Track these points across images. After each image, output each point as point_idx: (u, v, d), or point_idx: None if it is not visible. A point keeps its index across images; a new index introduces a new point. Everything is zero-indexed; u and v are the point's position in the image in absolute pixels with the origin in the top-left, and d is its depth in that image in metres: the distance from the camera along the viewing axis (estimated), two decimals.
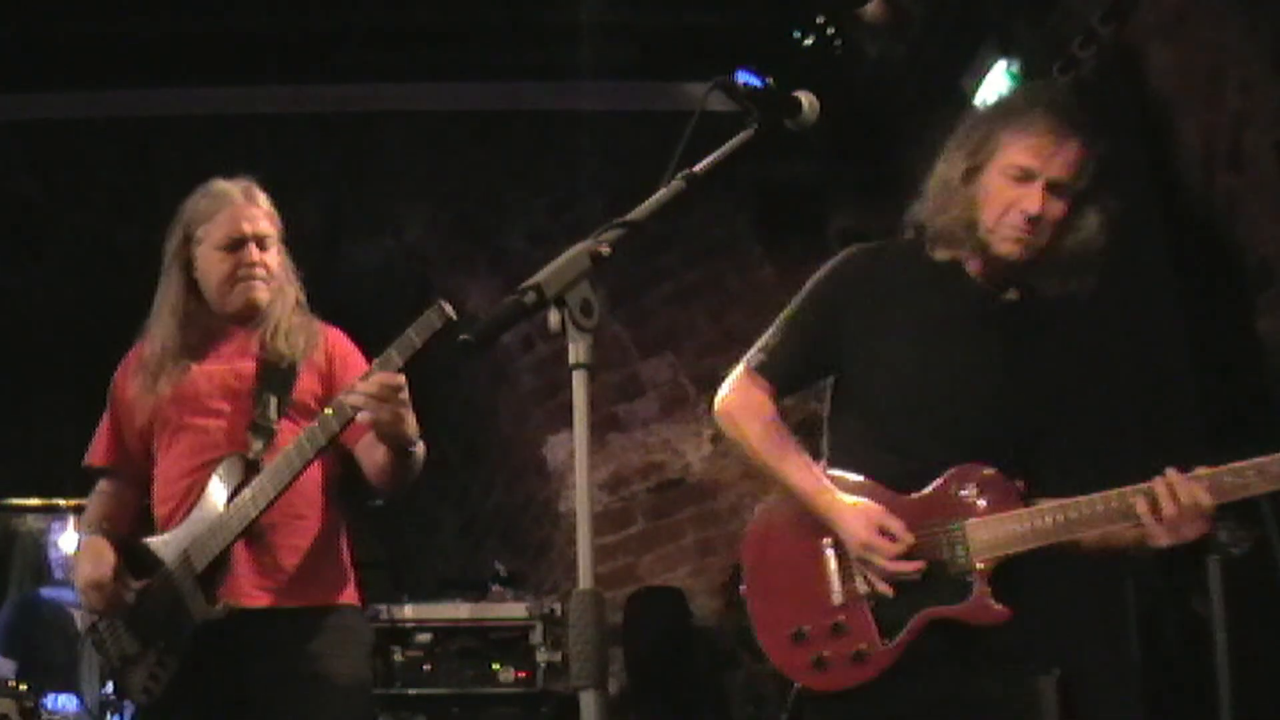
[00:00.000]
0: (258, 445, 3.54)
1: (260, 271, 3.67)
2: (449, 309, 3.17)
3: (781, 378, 3.17)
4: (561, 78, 6.86)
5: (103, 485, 3.84)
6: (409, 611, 5.98)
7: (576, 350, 2.12)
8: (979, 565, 2.85)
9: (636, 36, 6.65)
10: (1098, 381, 3.86)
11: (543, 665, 5.84)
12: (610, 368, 6.92)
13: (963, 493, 2.91)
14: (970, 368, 3.00)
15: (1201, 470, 2.75)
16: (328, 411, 3.36)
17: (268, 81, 6.68)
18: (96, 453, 3.83)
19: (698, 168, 2.45)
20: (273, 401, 3.59)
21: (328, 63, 6.60)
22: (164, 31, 6.33)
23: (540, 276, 2.13)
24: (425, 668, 5.88)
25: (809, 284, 3.21)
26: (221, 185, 3.75)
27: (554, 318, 2.12)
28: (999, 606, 2.84)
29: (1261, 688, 3.82)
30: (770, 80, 4.31)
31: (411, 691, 5.86)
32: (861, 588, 2.93)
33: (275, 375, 3.62)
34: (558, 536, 7.00)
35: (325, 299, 3.96)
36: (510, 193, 7.10)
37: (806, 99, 2.67)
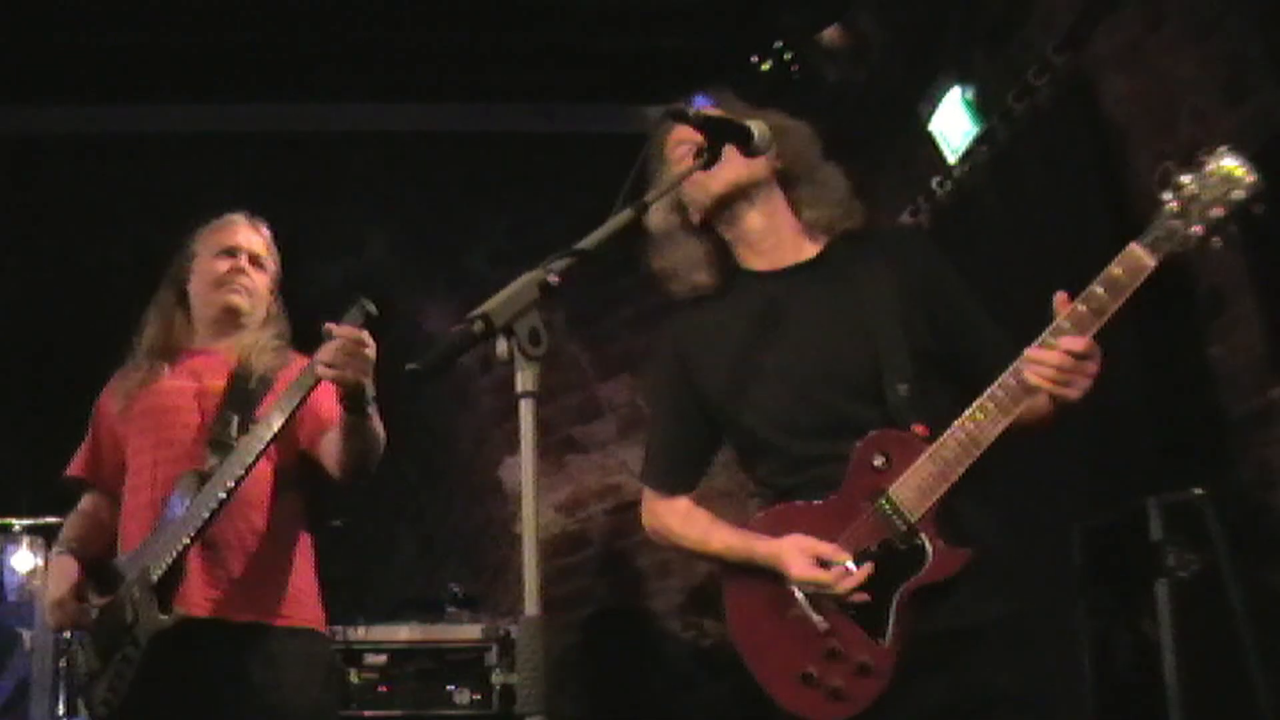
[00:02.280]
0: (214, 461, 3.58)
1: (245, 281, 3.86)
2: (370, 305, 3.35)
3: (674, 479, 3.23)
4: (523, 99, 6.88)
5: (82, 502, 3.93)
6: (364, 633, 5.94)
7: (523, 379, 2.13)
8: (919, 522, 2.78)
9: (597, 59, 6.67)
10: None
11: (498, 687, 5.82)
12: (568, 390, 6.92)
13: (874, 465, 2.84)
14: (822, 348, 2.97)
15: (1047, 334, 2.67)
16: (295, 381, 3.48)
17: (229, 100, 6.67)
18: (74, 464, 3.92)
19: (648, 196, 2.46)
20: (234, 419, 3.67)
21: (290, 82, 6.60)
22: (127, 48, 6.31)
23: (489, 305, 2.13)
24: (380, 689, 5.84)
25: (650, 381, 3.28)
26: (229, 214, 3.98)
27: (502, 346, 2.13)
28: (959, 550, 2.77)
29: (1210, 709, 3.85)
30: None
31: (367, 713, 5.81)
32: (834, 604, 2.87)
33: (242, 394, 3.72)
34: (515, 558, 6.96)
35: (286, 317, 4.00)
36: (471, 214, 7.10)
37: (758, 127, 2.67)
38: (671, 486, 3.22)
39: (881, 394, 2.88)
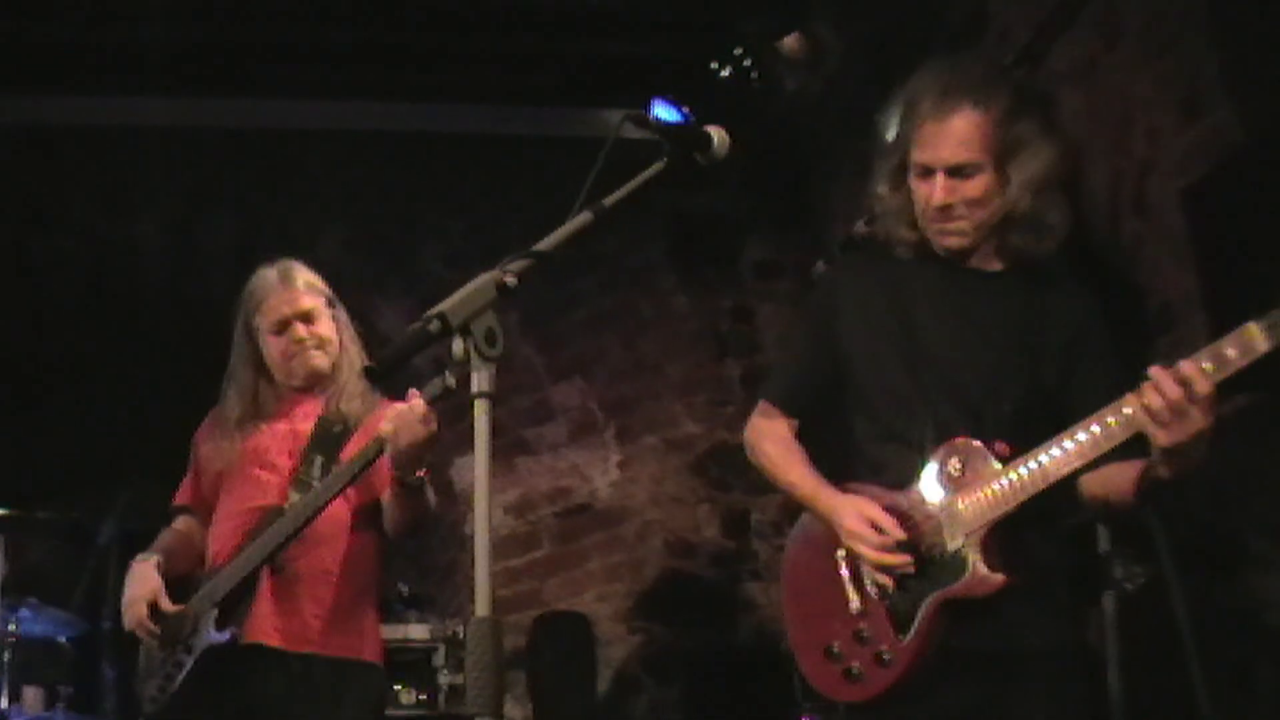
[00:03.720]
0: (295, 499, 3.79)
1: (311, 343, 3.98)
2: (451, 380, 3.41)
3: (788, 401, 3.26)
4: (481, 101, 6.86)
5: (177, 522, 4.17)
6: None
7: (479, 379, 2.13)
8: (969, 537, 2.80)
9: (557, 63, 6.67)
10: None
11: (444, 688, 5.81)
12: (520, 391, 6.91)
13: (949, 469, 2.87)
14: (953, 344, 2.98)
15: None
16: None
17: (185, 94, 6.62)
18: (180, 494, 4.20)
19: (607, 200, 2.44)
20: (318, 460, 3.88)
21: (247, 77, 6.56)
22: (81, 39, 6.27)
23: (445, 305, 2.13)
24: None
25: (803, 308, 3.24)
26: (263, 272, 4.07)
27: (458, 347, 2.13)
28: (996, 575, 2.77)
29: None
30: (688, 110, 4.33)
31: None
32: (872, 589, 2.92)
33: (328, 437, 3.91)
34: (464, 559, 6.96)
35: (358, 338, 4.15)
36: (426, 214, 7.08)
37: (717, 134, 2.65)
38: (783, 403, 3.26)
39: (989, 412, 2.90)
